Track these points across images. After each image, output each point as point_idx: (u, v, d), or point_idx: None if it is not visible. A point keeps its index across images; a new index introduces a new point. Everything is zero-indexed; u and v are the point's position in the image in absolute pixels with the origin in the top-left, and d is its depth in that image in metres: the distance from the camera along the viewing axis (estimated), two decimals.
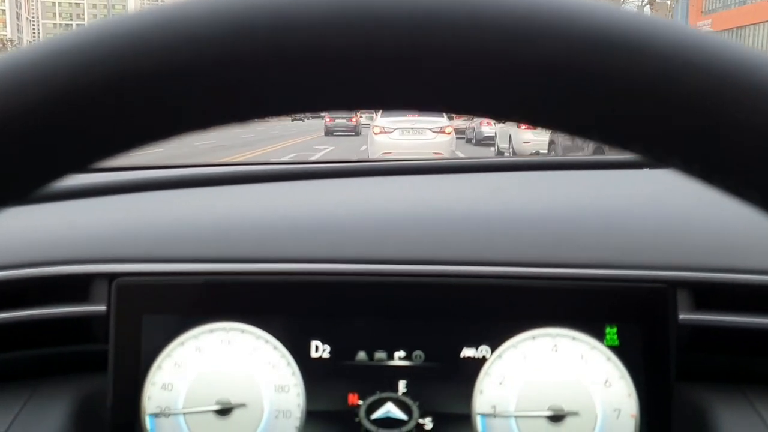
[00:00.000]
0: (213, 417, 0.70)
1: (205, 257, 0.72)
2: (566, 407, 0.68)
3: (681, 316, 0.68)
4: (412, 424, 0.69)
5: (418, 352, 0.70)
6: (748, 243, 0.71)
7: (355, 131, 21.57)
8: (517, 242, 0.72)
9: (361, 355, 0.70)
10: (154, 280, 0.71)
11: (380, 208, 0.80)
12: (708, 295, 0.69)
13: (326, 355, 0.70)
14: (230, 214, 0.79)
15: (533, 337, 0.70)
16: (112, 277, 0.71)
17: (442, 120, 10.93)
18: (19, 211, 0.81)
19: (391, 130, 10.72)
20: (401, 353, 0.70)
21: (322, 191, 0.90)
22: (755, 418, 0.68)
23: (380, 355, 0.70)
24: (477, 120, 16.75)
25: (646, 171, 1.00)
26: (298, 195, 0.88)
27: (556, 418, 0.68)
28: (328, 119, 21.92)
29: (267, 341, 0.71)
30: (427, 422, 0.69)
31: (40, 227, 0.77)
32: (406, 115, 10.87)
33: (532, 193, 0.88)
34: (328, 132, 21.78)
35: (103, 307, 0.71)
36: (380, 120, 11.28)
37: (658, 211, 0.79)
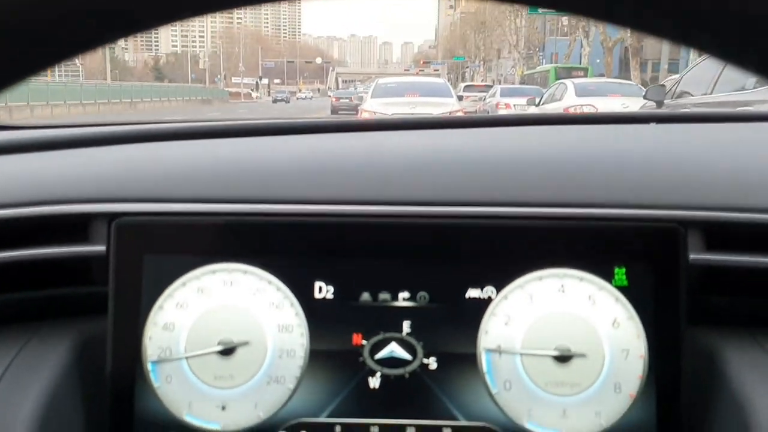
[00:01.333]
0: (216, 358, 0.72)
1: (207, 197, 0.74)
2: (573, 348, 0.70)
3: (692, 257, 0.70)
4: (416, 364, 0.71)
5: (422, 293, 0.72)
6: (760, 182, 0.73)
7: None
8: (524, 182, 0.74)
9: (365, 296, 0.73)
10: (154, 220, 0.73)
11: (385, 153, 0.82)
12: (719, 235, 0.71)
13: (330, 295, 0.72)
14: (234, 157, 0.80)
15: (540, 278, 0.71)
16: (111, 216, 0.73)
17: (449, 101, 10.23)
18: (19, 156, 0.83)
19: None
20: (405, 294, 0.72)
21: (326, 141, 0.92)
22: (766, 361, 0.70)
23: (384, 295, 0.73)
24: (489, 101, 16.54)
25: (653, 125, 1.02)
26: (303, 143, 0.90)
27: (563, 358, 0.70)
28: (334, 99, 25.08)
29: (270, 282, 0.73)
30: (432, 362, 0.71)
31: (39, 168, 0.80)
32: (404, 95, 10.16)
33: (541, 139, 0.90)
34: (334, 110, 24.30)
35: (102, 248, 0.73)
36: (371, 102, 10.21)
37: (669, 153, 0.80)
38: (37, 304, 0.77)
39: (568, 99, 10.79)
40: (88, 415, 0.72)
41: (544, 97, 12.40)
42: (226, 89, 64.98)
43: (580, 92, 10.89)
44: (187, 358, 0.72)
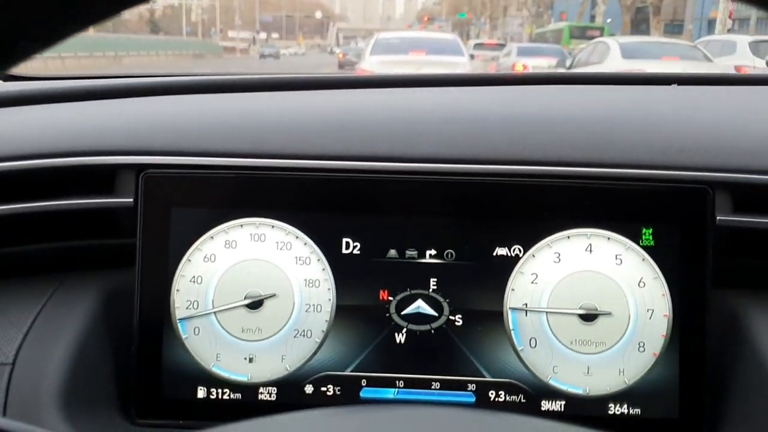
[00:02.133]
0: (244, 311, 0.75)
1: (237, 152, 0.76)
2: (599, 306, 0.73)
3: (719, 218, 0.72)
4: (442, 321, 0.74)
5: (449, 251, 0.75)
6: None
7: None
8: (553, 142, 0.76)
9: (392, 253, 0.75)
10: (183, 173, 0.75)
11: (414, 109, 0.83)
12: (747, 197, 0.73)
13: (357, 251, 0.75)
14: (262, 112, 0.82)
15: (568, 237, 0.74)
16: (140, 169, 0.75)
17: (461, 60, 9.40)
18: (48, 107, 0.84)
19: None
20: (432, 251, 0.75)
21: (354, 96, 0.93)
22: None
23: (411, 252, 0.75)
24: (504, 61, 15.40)
25: (674, 86, 1.04)
26: (330, 98, 0.91)
27: (589, 317, 0.73)
28: (341, 55, 25.23)
29: (297, 237, 0.75)
30: (458, 319, 0.74)
31: (67, 119, 0.81)
32: (408, 52, 9.32)
33: (568, 99, 0.91)
34: (341, 66, 24.47)
35: (130, 200, 0.75)
36: (369, 61, 9.37)
37: (697, 115, 0.82)
38: (65, 255, 0.79)
39: (612, 62, 9.38)
40: (116, 364, 0.76)
41: (577, 58, 11.10)
42: (221, 44, 64.09)
43: (628, 53, 9.40)
44: (215, 312, 0.75)
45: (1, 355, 0.70)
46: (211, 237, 0.75)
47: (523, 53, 14.92)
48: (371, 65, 8.98)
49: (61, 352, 0.71)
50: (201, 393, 0.74)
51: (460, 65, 9.19)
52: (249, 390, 0.74)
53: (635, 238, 0.74)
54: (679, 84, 1.01)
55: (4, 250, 0.78)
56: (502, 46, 21.50)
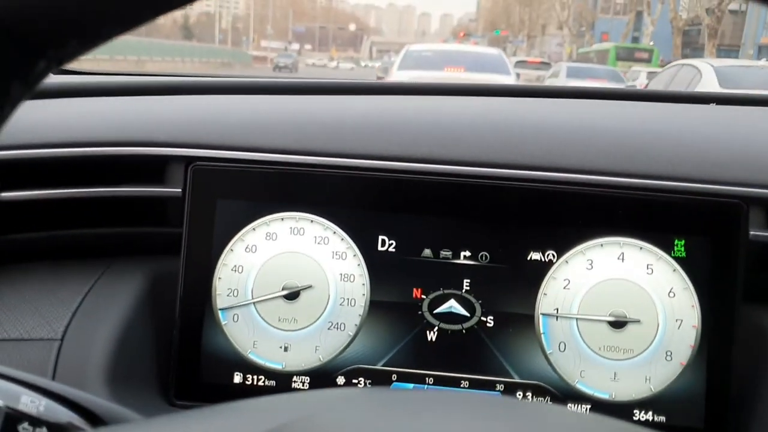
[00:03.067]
0: (281, 302, 0.80)
1: (281, 148, 0.81)
2: (629, 314, 0.77)
3: (752, 233, 0.76)
4: (474, 321, 0.78)
5: (483, 253, 0.79)
6: None
7: None
8: (591, 151, 0.80)
9: (427, 252, 0.80)
10: (229, 167, 0.81)
11: (455, 114, 0.88)
12: None
13: (392, 249, 0.80)
14: (308, 112, 0.88)
15: (601, 245, 0.78)
16: (189, 161, 0.81)
17: (505, 79, 8.27)
18: (102, 99, 0.91)
19: None
20: (467, 252, 0.79)
21: (395, 101, 0.99)
22: None
23: (446, 253, 0.80)
24: (551, 81, 13.80)
25: (713, 106, 1.07)
26: (372, 102, 0.97)
27: (618, 324, 0.77)
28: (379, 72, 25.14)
29: (335, 232, 0.80)
30: (489, 320, 0.78)
31: (122, 111, 0.88)
32: (444, 68, 8.29)
33: (608, 112, 0.96)
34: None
35: (178, 190, 0.81)
36: (397, 75, 8.34)
37: (734, 132, 0.86)
38: (114, 241, 0.86)
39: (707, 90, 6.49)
40: (158, 347, 0.81)
41: (653, 83, 9.35)
42: (251, 52, 64.75)
43: (727, 81, 7.37)
44: (254, 303, 0.80)
45: (51, 331, 0.76)
46: (253, 229, 0.81)
47: (574, 74, 13.79)
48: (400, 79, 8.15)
49: (107, 331, 0.77)
50: (237, 378, 0.79)
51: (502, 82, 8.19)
52: (283, 378, 0.79)
53: (667, 248, 0.77)
54: (717, 103, 1.05)
55: (58, 233, 0.84)
56: (546, 65, 20.17)
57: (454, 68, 8.50)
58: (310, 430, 0.33)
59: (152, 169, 0.82)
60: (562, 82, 13.04)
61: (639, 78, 14.43)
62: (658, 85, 8.96)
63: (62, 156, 0.81)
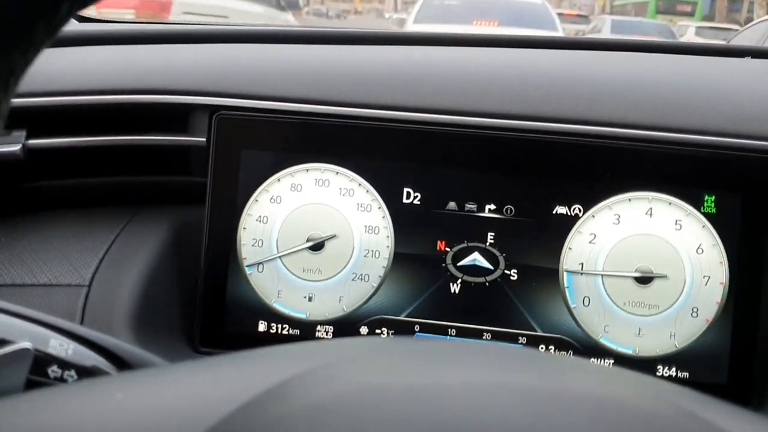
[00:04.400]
0: (306, 253, 0.82)
1: (307, 98, 0.82)
2: (655, 270, 0.78)
3: None
4: (497, 274, 0.80)
5: (509, 206, 0.80)
6: None
7: None
8: (621, 103, 0.80)
9: (452, 205, 0.81)
10: (254, 116, 0.82)
11: (483, 65, 0.88)
12: None
13: (417, 201, 0.81)
14: (334, 61, 0.89)
15: (629, 200, 0.79)
16: (213, 109, 0.83)
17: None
18: (125, 48, 0.93)
19: None
20: (492, 206, 0.81)
21: (422, 51, 0.99)
22: None
23: (471, 206, 0.81)
24: (594, 36, 13.38)
25: (748, 59, 1.06)
26: (399, 53, 0.97)
27: (644, 279, 0.78)
28: None
29: (360, 184, 0.82)
30: (513, 273, 0.80)
31: (145, 59, 0.89)
32: (472, 22, 7.26)
33: (640, 64, 0.95)
34: None
35: (203, 139, 0.83)
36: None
37: None
38: (139, 189, 0.88)
39: None
40: (184, 295, 0.84)
41: (735, 41, 6.98)
42: None
43: None
44: (280, 257, 0.82)
45: (79, 277, 0.80)
46: (278, 179, 0.82)
47: (619, 29, 12.56)
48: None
49: (133, 278, 0.80)
50: (262, 327, 0.82)
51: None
52: (307, 327, 0.82)
53: (697, 204, 0.78)
54: (753, 57, 1.03)
55: (83, 181, 0.87)
56: (584, 18, 18.36)
57: (486, 22, 7.51)
58: (330, 378, 0.34)
59: (177, 118, 0.84)
60: (606, 36, 11.41)
61: (687, 33, 13.82)
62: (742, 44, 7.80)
63: (87, 104, 0.83)
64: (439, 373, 0.34)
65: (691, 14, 21.68)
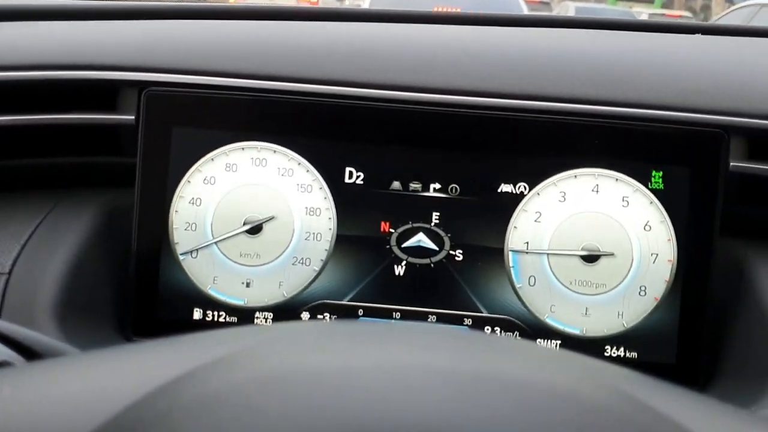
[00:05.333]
0: (244, 236, 0.79)
1: (241, 73, 0.79)
2: (602, 248, 0.77)
3: (732, 164, 0.75)
4: (442, 255, 0.78)
5: (453, 185, 0.78)
6: None
7: None
8: (567, 78, 0.78)
9: (396, 184, 0.79)
10: (185, 92, 0.79)
11: (425, 40, 0.86)
12: (762, 144, 0.76)
13: (360, 181, 0.79)
14: (270, 35, 0.85)
15: (575, 176, 0.77)
16: (142, 86, 0.79)
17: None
18: (48, 23, 0.88)
19: None
20: (436, 185, 0.78)
21: (363, 27, 0.96)
22: None
23: (415, 185, 0.79)
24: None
25: (698, 36, 1.05)
26: (339, 28, 0.94)
27: (590, 258, 0.77)
28: None
29: (300, 163, 0.79)
30: (458, 254, 0.78)
31: (69, 34, 0.85)
32: (432, 8, 6.01)
33: (586, 40, 0.94)
34: None
35: (131, 117, 0.79)
36: None
37: (717, 61, 0.84)
38: (66, 172, 0.84)
39: None
40: (114, 282, 0.80)
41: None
42: None
43: None
44: (216, 242, 0.79)
45: None
46: (212, 159, 0.79)
47: (582, 15, 12.54)
48: None
49: (58, 265, 0.76)
50: (197, 314, 0.79)
51: None
52: (245, 314, 0.79)
53: (644, 180, 0.77)
54: (703, 33, 1.03)
55: (5, 163, 0.82)
56: (545, 4, 19.20)
57: (448, 9, 7.11)
58: (232, 367, 0.32)
59: (104, 95, 0.80)
60: None
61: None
62: None
63: (8, 80, 0.79)
64: (350, 357, 0.32)
65: (650, 1, 21.97)
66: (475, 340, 0.39)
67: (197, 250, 0.79)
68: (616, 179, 0.77)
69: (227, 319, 0.79)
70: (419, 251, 0.78)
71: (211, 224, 0.79)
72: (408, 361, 0.32)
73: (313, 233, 0.79)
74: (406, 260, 0.78)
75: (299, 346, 0.34)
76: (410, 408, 0.28)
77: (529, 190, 0.77)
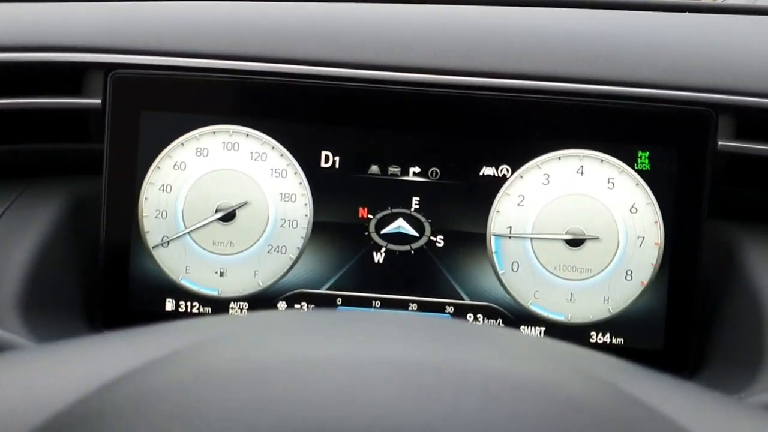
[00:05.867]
0: (216, 224, 0.76)
1: (211, 53, 0.76)
2: (587, 231, 0.74)
3: (720, 143, 0.73)
4: (423, 241, 0.76)
5: (434, 169, 0.76)
6: None
7: None
8: (550, 56, 0.76)
9: (374, 169, 0.76)
10: (154, 74, 0.76)
11: (403, 17, 0.83)
12: (751, 122, 0.73)
13: (336, 166, 0.76)
14: (241, 13, 0.82)
15: (559, 158, 0.75)
16: (109, 68, 0.76)
17: None
18: (14, 4, 0.85)
19: None
20: (416, 168, 0.76)
21: (339, 6, 0.93)
22: None
23: (394, 169, 0.76)
24: None
25: (687, 14, 1.03)
26: (313, 6, 0.91)
27: (575, 242, 0.75)
28: None
29: (273, 147, 0.76)
30: (439, 240, 0.76)
31: (32, 15, 0.82)
32: None
33: (570, 18, 0.91)
34: None
35: (98, 101, 0.76)
36: None
37: (705, 39, 0.82)
38: (32, 159, 0.81)
39: None
40: (83, 273, 0.78)
41: None
42: None
43: None
44: (189, 233, 0.76)
45: None
46: (182, 144, 0.76)
47: None
48: None
49: (23, 255, 0.73)
50: (169, 305, 0.76)
51: None
52: (219, 304, 0.76)
53: (630, 161, 0.74)
54: (690, 12, 1.00)
55: None
56: None
57: None
58: (182, 361, 0.30)
59: (70, 78, 0.77)
60: None
61: None
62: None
63: None
64: (300, 351, 0.30)
65: None
66: (447, 330, 0.37)
67: (168, 238, 0.76)
68: (601, 160, 0.75)
69: (201, 309, 0.76)
70: (399, 237, 0.76)
71: (183, 211, 0.76)
72: (365, 354, 0.29)
73: (289, 220, 0.76)
74: (385, 247, 0.76)
75: (249, 339, 0.32)
76: (362, 405, 0.25)
77: (512, 172, 0.75)
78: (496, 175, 0.75)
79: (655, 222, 0.74)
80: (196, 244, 0.76)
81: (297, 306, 0.77)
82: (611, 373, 0.32)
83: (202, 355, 0.31)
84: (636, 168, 0.74)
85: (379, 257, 0.76)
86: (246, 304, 0.77)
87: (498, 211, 0.75)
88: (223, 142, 0.76)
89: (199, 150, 0.76)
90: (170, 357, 0.31)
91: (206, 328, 0.35)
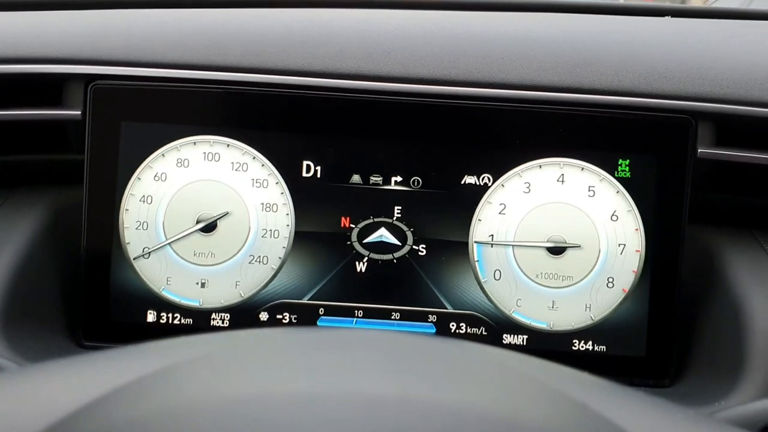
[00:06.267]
0: (197, 235, 0.76)
1: (192, 64, 0.76)
2: (568, 239, 0.75)
3: (701, 150, 0.74)
4: (405, 250, 0.76)
5: (415, 178, 0.76)
6: None
7: None
8: (530, 64, 0.76)
9: (356, 178, 0.76)
10: (134, 85, 0.76)
11: (384, 26, 0.83)
12: (730, 129, 0.74)
13: (318, 175, 0.76)
14: (221, 24, 0.82)
15: (539, 166, 0.75)
16: (89, 79, 0.75)
17: None
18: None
19: None
20: (398, 178, 0.76)
21: (319, 13, 0.93)
22: (765, 262, 0.75)
23: (376, 178, 0.76)
24: None
25: (668, 18, 1.03)
26: (293, 14, 0.91)
27: (557, 250, 0.75)
28: None
29: (254, 158, 0.76)
30: (421, 249, 0.76)
31: (11, 25, 0.81)
32: None
33: (551, 25, 0.91)
34: None
35: (78, 112, 0.76)
36: None
37: (685, 45, 0.82)
38: (12, 170, 0.80)
39: None
40: (63, 285, 0.77)
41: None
42: None
43: None
44: (170, 244, 0.76)
45: None
46: (163, 155, 0.76)
47: None
48: None
49: (2, 268, 0.73)
50: (151, 317, 0.76)
51: None
52: (201, 315, 0.76)
53: (611, 169, 0.75)
54: (672, 16, 1.01)
55: None
56: None
57: None
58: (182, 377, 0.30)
59: (50, 89, 0.77)
60: None
61: None
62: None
63: None
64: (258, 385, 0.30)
65: None
66: (419, 356, 0.37)
67: (149, 249, 0.76)
68: (582, 168, 0.75)
69: (182, 321, 0.76)
70: (381, 247, 0.76)
71: (163, 222, 0.76)
72: (332, 390, 0.29)
73: (270, 230, 0.76)
74: (367, 256, 0.76)
75: (217, 369, 0.31)
76: None
77: (494, 181, 0.75)
78: (478, 183, 0.76)
79: (636, 229, 0.74)
80: (177, 255, 0.76)
81: (279, 316, 0.76)
82: (582, 396, 0.32)
83: (163, 392, 0.31)
84: (616, 176, 0.75)
85: (361, 266, 0.76)
86: (227, 315, 0.77)
87: (480, 220, 0.75)
88: (204, 153, 0.76)
89: (179, 161, 0.76)
90: (132, 389, 0.31)
91: (170, 355, 0.35)
